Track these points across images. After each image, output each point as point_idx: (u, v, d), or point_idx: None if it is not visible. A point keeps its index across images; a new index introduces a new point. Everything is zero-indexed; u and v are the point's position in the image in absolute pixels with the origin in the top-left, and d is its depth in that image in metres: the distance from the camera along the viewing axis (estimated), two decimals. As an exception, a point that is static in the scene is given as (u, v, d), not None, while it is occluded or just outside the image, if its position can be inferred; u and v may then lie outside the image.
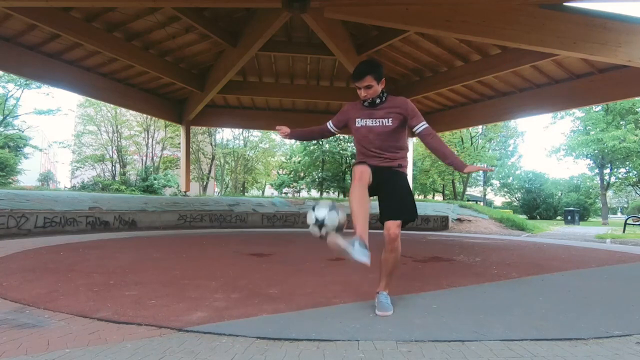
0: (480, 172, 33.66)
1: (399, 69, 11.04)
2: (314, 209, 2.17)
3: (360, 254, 2.00)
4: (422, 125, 2.37)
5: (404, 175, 2.46)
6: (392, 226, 2.42)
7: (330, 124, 2.65)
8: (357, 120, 2.46)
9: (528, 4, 6.49)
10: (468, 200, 23.45)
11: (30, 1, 6.70)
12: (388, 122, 2.38)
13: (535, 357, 1.66)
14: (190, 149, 15.88)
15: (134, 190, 18.19)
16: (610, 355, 1.71)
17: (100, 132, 22.95)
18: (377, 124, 2.39)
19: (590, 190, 31.88)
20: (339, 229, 2.15)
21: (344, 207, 2.22)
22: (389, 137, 2.40)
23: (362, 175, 2.29)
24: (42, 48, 8.64)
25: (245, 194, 27.64)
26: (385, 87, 2.44)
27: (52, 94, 35.92)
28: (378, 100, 2.40)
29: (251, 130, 26.70)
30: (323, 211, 2.13)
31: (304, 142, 27.50)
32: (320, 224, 2.11)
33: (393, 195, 2.42)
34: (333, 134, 2.72)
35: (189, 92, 11.93)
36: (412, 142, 14.27)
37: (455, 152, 26.19)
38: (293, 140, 30.19)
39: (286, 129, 2.68)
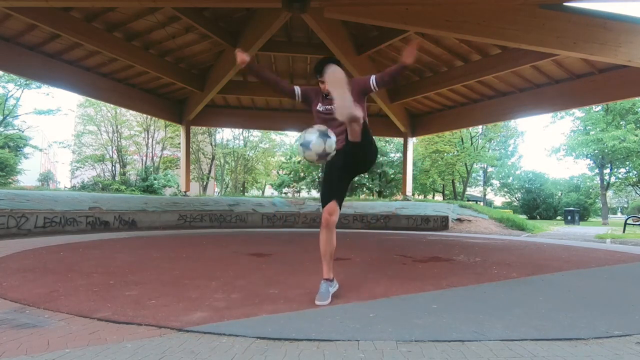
0: (482, 171, 33.70)
1: (399, 69, 11.03)
2: (305, 131, 2.33)
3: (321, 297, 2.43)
4: (373, 78, 2.52)
5: (366, 126, 2.46)
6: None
7: (298, 89, 2.74)
8: (319, 105, 2.65)
9: (528, 4, 6.49)
10: (468, 200, 23.45)
11: (30, 1, 6.70)
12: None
13: (535, 357, 1.66)
14: (190, 149, 15.88)
15: (134, 190, 18.19)
16: (610, 355, 1.71)
17: (100, 132, 22.95)
18: (330, 111, 2.51)
19: (590, 190, 31.87)
20: (322, 156, 2.33)
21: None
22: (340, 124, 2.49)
23: (328, 220, 2.55)
24: (42, 48, 8.64)
25: (245, 194, 27.64)
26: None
27: (52, 94, 35.89)
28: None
29: (251, 130, 26.69)
30: (312, 134, 2.30)
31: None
32: (305, 145, 2.28)
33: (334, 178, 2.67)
34: (292, 98, 2.78)
35: (189, 92, 11.94)
36: (412, 142, 14.26)
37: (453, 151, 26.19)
38: (294, 140, 30.03)
39: (245, 57, 2.55)
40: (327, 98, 2.57)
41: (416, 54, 2.51)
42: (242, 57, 2.53)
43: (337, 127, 2.50)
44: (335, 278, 2.68)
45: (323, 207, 2.63)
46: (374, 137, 2.67)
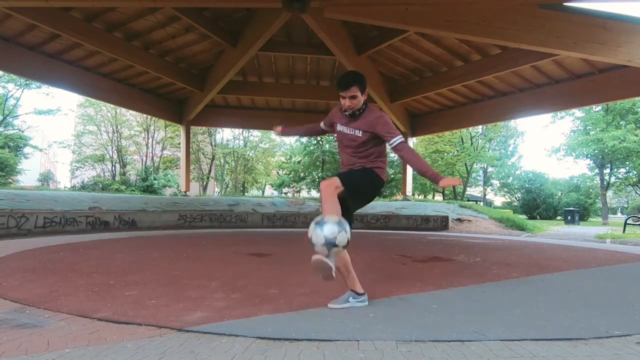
0: (482, 171, 33.72)
1: (399, 69, 11.05)
2: (321, 227, 2.03)
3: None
4: (397, 140, 2.35)
5: (364, 171, 2.45)
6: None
7: (322, 125, 2.79)
8: (337, 125, 2.57)
9: (528, 4, 6.49)
10: (468, 200, 23.45)
11: (30, 1, 6.70)
12: (359, 134, 2.43)
13: (535, 357, 1.66)
14: (190, 149, 15.88)
15: (134, 190, 18.18)
16: (610, 355, 1.71)
17: (100, 132, 22.94)
18: (351, 133, 2.46)
19: (590, 190, 31.86)
20: (346, 246, 2.09)
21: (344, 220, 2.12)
22: (358, 146, 2.45)
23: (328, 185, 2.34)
24: (42, 48, 8.64)
25: (245, 194, 27.64)
26: (368, 98, 2.53)
27: (52, 94, 35.88)
28: (358, 112, 2.44)
29: (251, 130, 26.70)
30: (333, 229, 2.01)
31: (303, 140, 27.55)
32: (330, 245, 2.01)
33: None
34: (325, 133, 2.86)
35: (189, 92, 11.94)
36: (412, 142, 14.26)
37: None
38: (293, 140, 30.10)
39: (279, 128, 2.97)
40: (345, 115, 2.49)
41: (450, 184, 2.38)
42: (278, 129, 2.95)
43: (351, 149, 2.46)
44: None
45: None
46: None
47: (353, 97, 2.36)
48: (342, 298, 2.46)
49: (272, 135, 28.22)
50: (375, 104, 12.15)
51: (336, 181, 2.30)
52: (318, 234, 2.02)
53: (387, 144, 2.43)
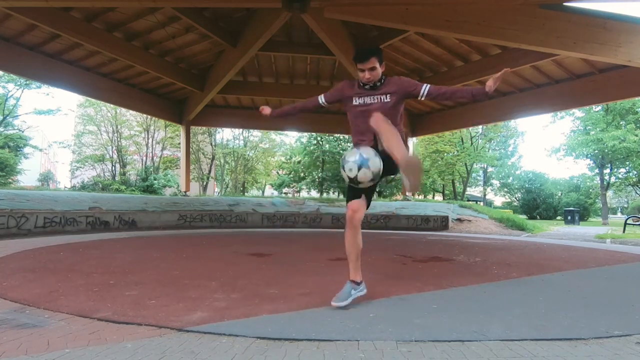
0: (482, 171, 33.70)
1: (398, 69, 11.04)
2: (358, 149, 2.27)
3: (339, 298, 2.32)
4: (426, 87, 2.40)
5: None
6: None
7: (322, 98, 2.66)
8: (354, 98, 2.49)
9: (528, 4, 6.49)
10: (468, 200, 23.44)
11: (30, 1, 6.70)
12: (387, 99, 2.42)
13: (535, 357, 1.66)
14: (190, 149, 15.87)
15: (134, 190, 18.18)
16: (610, 355, 1.71)
17: (100, 132, 22.94)
18: (375, 101, 2.43)
19: (590, 190, 31.87)
20: (373, 179, 2.25)
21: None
22: (388, 112, 2.38)
23: (352, 217, 2.41)
24: (42, 48, 8.64)
25: (245, 194, 27.63)
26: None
27: (52, 94, 35.81)
28: (378, 83, 2.44)
29: (251, 130, 26.67)
30: (370, 152, 2.23)
31: (303, 140, 27.56)
32: (364, 162, 2.21)
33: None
34: (321, 108, 2.73)
35: (189, 92, 11.93)
36: (412, 142, 14.26)
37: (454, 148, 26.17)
38: (293, 140, 29.99)
39: (267, 109, 2.84)
40: (364, 88, 2.46)
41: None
42: (265, 111, 2.83)
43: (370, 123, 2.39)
44: (364, 281, 2.52)
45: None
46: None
47: (372, 69, 2.37)
48: (344, 293, 2.39)
49: (272, 135, 28.25)
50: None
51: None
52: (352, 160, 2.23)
53: (419, 95, 2.42)
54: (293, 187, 31.26)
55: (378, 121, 2.23)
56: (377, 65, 2.38)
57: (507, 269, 4.11)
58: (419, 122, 13.45)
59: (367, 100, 2.44)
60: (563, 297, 2.83)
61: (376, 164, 2.21)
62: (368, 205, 2.50)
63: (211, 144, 26.54)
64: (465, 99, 2.49)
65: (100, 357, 1.58)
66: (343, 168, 2.28)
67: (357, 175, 2.22)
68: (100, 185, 20.13)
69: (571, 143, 22.99)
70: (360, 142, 2.47)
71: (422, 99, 2.44)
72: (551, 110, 12.11)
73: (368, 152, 2.23)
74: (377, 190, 2.61)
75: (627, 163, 23.14)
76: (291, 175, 30.97)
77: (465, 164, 27.65)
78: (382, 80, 2.45)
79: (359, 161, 2.21)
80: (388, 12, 7.10)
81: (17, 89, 19.06)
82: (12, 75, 16.64)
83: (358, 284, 2.47)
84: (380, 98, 2.42)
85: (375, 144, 2.38)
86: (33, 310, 2.20)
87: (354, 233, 2.43)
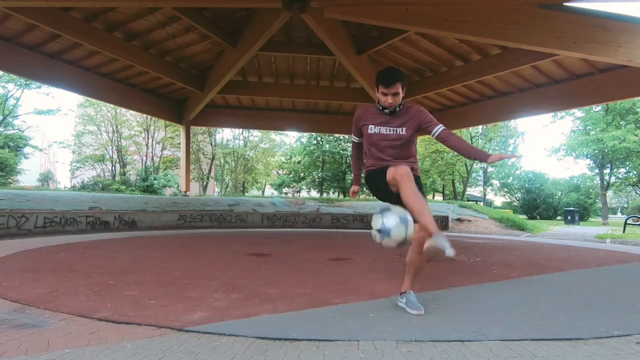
0: (482, 171, 33.69)
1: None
2: (382, 214, 2.10)
3: (448, 248, 1.94)
4: (439, 128, 2.37)
5: (419, 181, 2.43)
6: (421, 229, 2.20)
7: (354, 138, 2.65)
8: (370, 127, 2.44)
9: (528, 4, 6.49)
10: (468, 200, 23.45)
11: (30, 1, 6.70)
12: (402, 132, 2.39)
13: (535, 357, 1.66)
14: (190, 149, 15.87)
15: (134, 190, 18.19)
16: (610, 355, 1.71)
17: (100, 132, 22.95)
18: (392, 133, 2.40)
19: (590, 190, 31.89)
20: (402, 243, 2.08)
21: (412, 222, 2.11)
22: (402, 146, 2.41)
23: (408, 173, 2.23)
24: (42, 48, 8.63)
25: (245, 194, 27.63)
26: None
27: (52, 94, 35.89)
28: (398, 109, 2.41)
29: (251, 130, 26.68)
30: (392, 220, 2.06)
31: (303, 140, 27.59)
32: (384, 232, 2.06)
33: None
34: (362, 145, 2.64)
35: (189, 92, 11.93)
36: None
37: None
38: (293, 140, 29.96)
39: (356, 188, 2.85)
40: (382, 112, 2.41)
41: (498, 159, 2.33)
42: (355, 190, 2.84)
43: (392, 149, 2.40)
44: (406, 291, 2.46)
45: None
46: None
47: (396, 94, 2.33)
48: (416, 302, 2.34)
49: (272, 135, 28.28)
50: (374, 103, 12.15)
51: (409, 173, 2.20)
52: (378, 218, 2.08)
53: (431, 134, 2.40)
54: (293, 187, 31.27)
55: (403, 177, 2.17)
56: (401, 90, 2.34)
57: (507, 269, 4.11)
58: (419, 122, 13.43)
59: (384, 131, 2.40)
60: (563, 297, 2.83)
61: (400, 233, 2.04)
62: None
63: (211, 144, 26.54)
64: (464, 156, 2.45)
65: (100, 357, 1.58)
66: (390, 234, 2.08)
67: (380, 242, 2.11)
68: (100, 185, 20.13)
69: (571, 143, 23.00)
70: (372, 166, 2.46)
71: (433, 137, 2.42)
72: (551, 110, 12.09)
73: (391, 220, 2.06)
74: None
75: (627, 163, 23.15)
76: (291, 175, 30.98)
77: (465, 164, 27.65)
78: (402, 106, 2.42)
79: (381, 230, 2.08)
80: (388, 12, 7.09)
81: (17, 89, 19.08)
82: (12, 75, 16.65)
83: (401, 294, 2.49)
84: (397, 131, 2.39)
85: (385, 167, 2.33)
86: (33, 310, 2.20)
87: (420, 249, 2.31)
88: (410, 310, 2.29)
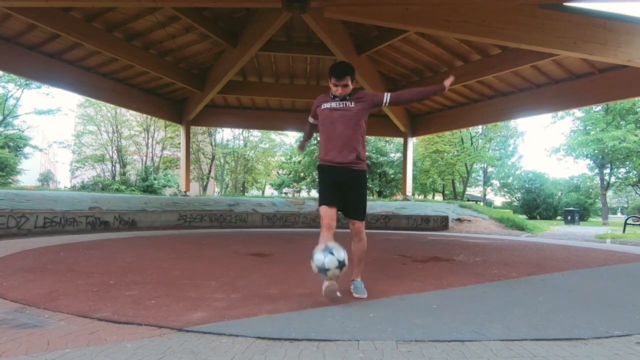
0: (482, 171, 33.68)
1: (399, 69, 11.05)
2: (332, 253, 2.33)
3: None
4: (387, 95, 2.72)
5: (364, 176, 2.78)
6: (357, 222, 2.73)
7: (310, 119, 3.00)
8: (322, 104, 2.76)
9: (528, 4, 6.49)
10: (468, 200, 23.44)
11: (30, 1, 6.70)
12: (351, 105, 2.68)
13: (535, 357, 1.66)
14: (190, 149, 15.87)
15: (134, 190, 18.18)
16: (610, 355, 1.71)
17: (100, 132, 22.93)
18: (341, 106, 2.68)
19: (590, 190, 31.87)
20: (341, 266, 2.37)
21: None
22: (349, 120, 2.65)
23: (329, 225, 2.59)
24: (42, 48, 8.64)
25: (245, 194, 27.63)
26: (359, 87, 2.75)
27: (52, 94, 35.97)
28: (347, 97, 2.71)
29: (251, 130, 26.67)
30: (342, 253, 2.36)
31: (300, 135, 27.58)
32: (342, 265, 2.34)
33: (359, 200, 2.74)
34: (315, 125, 2.99)
35: (189, 92, 11.94)
36: (412, 142, 14.25)
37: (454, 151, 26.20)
38: (293, 140, 30.03)
39: (301, 150, 3.41)
40: (333, 99, 2.72)
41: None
42: (300, 151, 3.49)
43: (342, 124, 2.65)
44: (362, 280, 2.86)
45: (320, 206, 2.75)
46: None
47: (345, 86, 2.65)
48: (361, 288, 2.73)
49: (272, 135, 28.27)
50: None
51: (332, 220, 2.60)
52: (330, 258, 2.33)
53: (383, 105, 2.75)
54: (293, 187, 31.25)
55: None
56: (350, 83, 2.65)
57: (507, 269, 4.11)
58: (419, 122, 13.45)
59: (333, 105, 2.70)
60: (563, 297, 2.83)
61: (336, 272, 2.33)
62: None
63: (211, 144, 26.53)
64: (426, 97, 2.87)
65: (100, 357, 1.58)
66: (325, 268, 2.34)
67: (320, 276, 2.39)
68: (100, 185, 20.12)
69: (571, 143, 22.98)
70: (323, 160, 2.72)
71: (387, 105, 2.76)
72: (551, 110, 12.09)
73: (330, 262, 2.31)
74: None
75: (627, 163, 23.14)
76: (291, 175, 30.96)
77: (465, 164, 27.64)
78: (351, 94, 2.72)
79: (320, 269, 2.33)
80: (388, 12, 7.09)
81: (17, 89, 19.07)
82: (12, 75, 16.64)
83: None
84: (346, 104, 2.69)
85: (340, 160, 2.65)
86: (33, 310, 2.21)
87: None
88: (355, 294, 2.66)
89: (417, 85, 11.31)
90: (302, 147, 3.37)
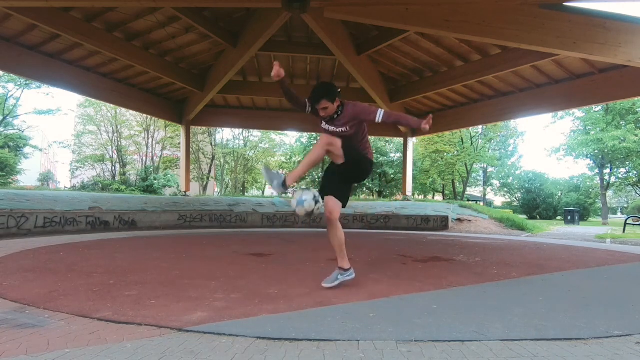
0: (482, 171, 33.68)
1: (399, 69, 11.05)
2: (303, 192, 2.73)
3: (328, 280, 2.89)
4: (379, 114, 2.71)
5: (356, 158, 2.85)
6: (329, 200, 2.84)
7: (308, 105, 2.93)
8: (323, 122, 2.89)
9: (528, 4, 6.49)
10: (468, 200, 23.44)
11: (30, 1, 6.70)
12: (347, 129, 2.79)
13: (535, 357, 1.66)
14: (190, 149, 15.87)
15: (134, 190, 18.18)
16: (610, 355, 1.71)
17: (100, 132, 22.92)
18: (338, 130, 2.81)
19: (590, 190, 31.87)
20: (309, 214, 2.72)
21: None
22: (351, 137, 2.81)
23: (330, 217, 2.84)
24: (42, 48, 8.64)
25: (245, 194, 27.63)
26: (343, 99, 2.83)
27: (52, 94, 35.94)
28: (335, 116, 2.80)
29: (251, 130, 26.67)
30: (308, 196, 2.69)
31: (303, 140, 27.62)
32: (300, 202, 2.68)
33: (334, 181, 2.93)
34: (303, 110, 2.99)
35: (189, 92, 11.94)
36: (412, 142, 14.25)
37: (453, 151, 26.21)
38: (293, 140, 30.01)
39: (282, 72, 2.82)
40: (329, 121, 2.85)
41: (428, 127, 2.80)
42: (278, 71, 2.78)
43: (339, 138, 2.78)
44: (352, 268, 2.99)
45: (322, 199, 2.83)
46: (371, 148, 3.04)
47: (325, 108, 2.75)
48: (332, 277, 2.89)
49: (272, 135, 28.26)
50: (374, 103, 12.17)
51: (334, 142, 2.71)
52: (311, 199, 2.69)
53: (375, 120, 2.74)
54: (293, 187, 31.20)
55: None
56: (329, 104, 2.72)
57: (507, 269, 4.11)
58: (419, 122, 13.43)
59: (331, 128, 2.83)
60: (563, 297, 2.83)
61: (311, 205, 2.67)
62: (344, 205, 2.91)
63: (211, 144, 26.53)
64: (407, 126, 2.85)
65: (100, 357, 1.58)
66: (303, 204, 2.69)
67: (295, 209, 2.71)
68: (100, 185, 20.12)
69: (571, 143, 22.98)
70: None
71: (379, 122, 2.74)
72: (551, 110, 12.10)
73: (308, 196, 2.69)
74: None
75: (627, 163, 23.14)
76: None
77: (465, 164, 27.64)
78: (339, 112, 2.78)
79: (299, 201, 2.69)
80: (388, 12, 7.09)
81: (17, 89, 19.06)
82: (12, 75, 16.64)
83: (345, 270, 2.92)
84: (341, 129, 2.79)
85: (344, 162, 2.79)
86: (33, 310, 2.20)
87: (333, 230, 2.86)
88: (334, 283, 2.88)
89: (417, 85, 11.33)
90: (283, 81, 2.90)
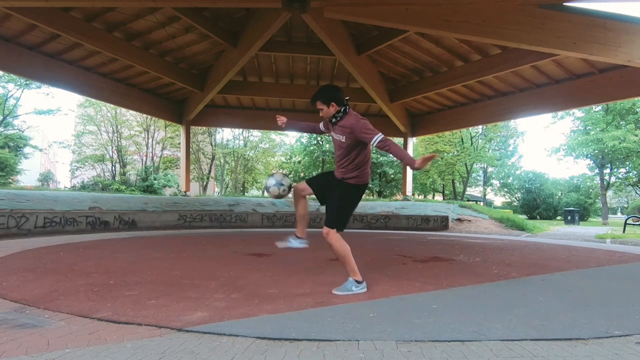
0: (482, 171, 33.67)
1: (399, 69, 11.04)
2: (274, 177, 3.13)
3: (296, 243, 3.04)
4: (377, 139, 2.57)
5: (343, 187, 2.83)
6: (325, 227, 2.85)
7: (321, 125, 3.09)
8: (331, 129, 2.93)
9: (528, 4, 6.49)
10: (468, 200, 23.44)
11: (30, 1, 6.70)
12: (342, 139, 2.77)
13: (535, 357, 1.66)
14: (190, 149, 15.87)
15: (134, 190, 18.18)
16: (610, 355, 1.71)
17: (100, 132, 22.91)
18: (337, 138, 2.82)
19: (590, 190, 31.87)
20: (278, 196, 3.13)
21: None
22: (343, 150, 2.78)
23: (296, 187, 3.07)
24: (42, 48, 8.63)
25: (245, 194, 27.63)
26: (340, 106, 2.81)
27: (52, 94, 35.98)
28: (334, 120, 2.81)
29: (251, 130, 26.67)
30: (277, 180, 3.10)
31: (303, 140, 27.64)
32: (275, 185, 3.04)
33: (330, 206, 2.92)
34: (323, 133, 3.14)
35: (189, 92, 11.94)
36: (412, 142, 14.24)
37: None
38: (293, 140, 30.01)
39: (284, 119, 3.19)
40: (331, 123, 2.88)
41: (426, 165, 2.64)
42: (281, 121, 3.17)
43: (339, 153, 2.83)
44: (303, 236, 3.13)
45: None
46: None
47: (321, 109, 2.80)
48: (345, 286, 2.78)
49: (272, 135, 28.26)
50: (374, 103, 12.17)
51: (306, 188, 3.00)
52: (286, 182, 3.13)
53: (370, 144, 2.64)
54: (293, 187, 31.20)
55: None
56: (324, 106, 2.76)
57: (507, 269, 4.11)
58: (419, 122, 13.45)
59: (333, 134, 2.87)
60: (563, 297, 2.83)
61: (285, 189, 3.11)
62: (333, 220, 2.88)
63: (211, 144, 26.53)
64: (401, 161, 2.76)
65: (100, 357, 1.58)
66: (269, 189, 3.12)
67: (268, 189, 3.09)
68: (100, 185, 20.11)
69: (571, 143, 22.98)
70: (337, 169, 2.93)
71: (374, 145, 2.63)
72: (551, 110, 12.09)
73: (276, 179, 3.12)
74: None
75: (627, 163, 23.14)
76: (291, 175, 30.95)
77: (465, 164, 27.64)
78: (338, 117, 2.77)
79: (272, 185, 3.09)
80: (388, 12, 7.09)
81: (17, 89, 19.06)
82: (12, 75, 16.64)
83: (359, 282, 2.81)
84: (339, 137, 2.80)
85: (337, 175, 2.88)
86: (33, 310, 2.21)
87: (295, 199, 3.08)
88: (286, 244, 3.05)
89: (417, 85, 11.33)
90: (288, 124, 3.26)
